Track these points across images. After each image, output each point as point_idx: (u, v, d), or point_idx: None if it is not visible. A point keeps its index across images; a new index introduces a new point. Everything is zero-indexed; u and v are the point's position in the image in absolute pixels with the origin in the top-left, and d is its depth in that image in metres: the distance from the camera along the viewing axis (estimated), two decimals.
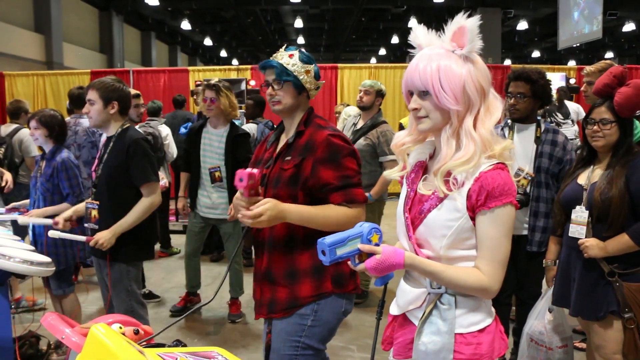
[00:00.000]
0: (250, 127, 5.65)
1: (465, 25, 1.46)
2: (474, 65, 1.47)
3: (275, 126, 5.47)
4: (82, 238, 2.98)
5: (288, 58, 2.09)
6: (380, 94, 4.52)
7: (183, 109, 8.13)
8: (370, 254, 1.44)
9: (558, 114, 5.69)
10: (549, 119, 5.83)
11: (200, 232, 4.37)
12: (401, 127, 8.33)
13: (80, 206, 3.25)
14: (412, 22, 17.18)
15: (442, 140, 1.50)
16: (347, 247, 1.45)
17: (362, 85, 4.55)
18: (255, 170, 1.96)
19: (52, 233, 2.90)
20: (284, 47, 2.16)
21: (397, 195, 7.13)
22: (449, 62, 1.45)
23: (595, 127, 2.45)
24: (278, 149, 2.15)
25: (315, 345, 2.09)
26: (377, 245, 1.46)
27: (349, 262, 1.49)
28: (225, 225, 4.28)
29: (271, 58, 2.12)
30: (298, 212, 1.99)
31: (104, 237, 2.89)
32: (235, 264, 4.44)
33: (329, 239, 1.44)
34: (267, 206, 1.91)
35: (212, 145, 4.19)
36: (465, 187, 1.44)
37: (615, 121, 2.41)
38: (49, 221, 3.17)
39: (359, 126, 4.52)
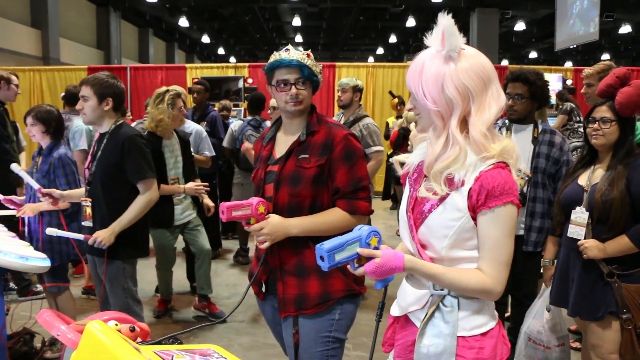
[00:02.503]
0: (235, 124, 5.80)
1: (442, 25, 1.45)
2: (456, 65, 1.43)
3: (258, 123, 5.52)
4: (80, 236, 2.95)
5: (307, 58, 2.07)
6: (357, 89, 4.65)
7: None
8: (369, 258, 1.43)
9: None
10: (577, 117, 5.86)
11: (174, 245, 4.28)
12: (387, 126, 8.35)
13: (74, 192, 3.26)
14: (410, 21, 17.23)
15: (430, 140, 1.50)
16: (345, 251, 1.44)
17: (339, 84, 4.70)
18: (253, 200, 2.02)
19: (49, 230, 2.87)
20: (290, 46, 2.13)
21: (380, 194, 7.11)
22: (433, 62, 1.45)
23: (596, 126, 2.47)
24: (289, 145, 2.12)
25: (342, 337, 2.12)
26: (376, 248, 1.45)
27: (348, 266, 1.48)
28: (194, 220, 4.28)
29: (285, 57, 2.05)
30: (300, 225, 2.03)
31: (103, 236, 2.88)
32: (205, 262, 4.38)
33: (327, 244, 1.43)
34: (267, 221, 1.99)
35: (172, 157, 4.10)
36: (466, 186, 1.43)
37: (615, 120, 2.42)
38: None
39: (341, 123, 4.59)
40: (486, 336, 1.48)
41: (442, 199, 1.46)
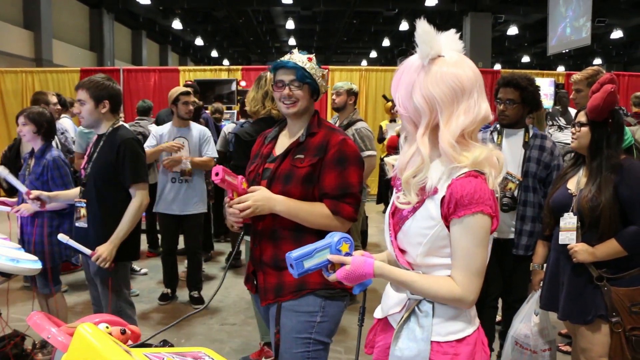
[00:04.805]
0: (227, 127, 5.77)
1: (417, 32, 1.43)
2: (427, 74, 1.41)
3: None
4: (88, 251, 2.90)
5: (307, 61, 2.11)
6: (351, 93, 4.70)
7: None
8: (341, 264, 1.44)
9: (561, 118, 5.78)
10: (550, 122, 5.91)
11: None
12: (381, 129, 8.37)
13: (63, 193, 3.26)
14: (403, 25, 17.27)
15: (403, 147, 1.51)
16: (315, 258, 1.46)
17: (334, 88, 4.75)
18: (240, 176, 2.00)
19: (61, 237, 2.85)
20: (296, 49, 2.18)
21: (374, 197, 7.10)
22: (411, 68, 1.45)
23: (573, 129, 2.54)
24: (288, 145, 2.14)
25: (325, 340, 2.11)
26: (348, 254, 1.46)
27: (322, 273, 1.50)
28: None
29: (286, 59, 2.12)
30: (285, 203, 2.02)
31: (106, 251, 2.86)
32: None
33: (295, 252, 1.45)
34: (251, 194, 1.97)
35: None
36: (439, 194, 1.42)
37: (586, 124, 2.47)
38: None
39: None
40: (462, 343, 1.46)
41: (417, 207, 1.45)
